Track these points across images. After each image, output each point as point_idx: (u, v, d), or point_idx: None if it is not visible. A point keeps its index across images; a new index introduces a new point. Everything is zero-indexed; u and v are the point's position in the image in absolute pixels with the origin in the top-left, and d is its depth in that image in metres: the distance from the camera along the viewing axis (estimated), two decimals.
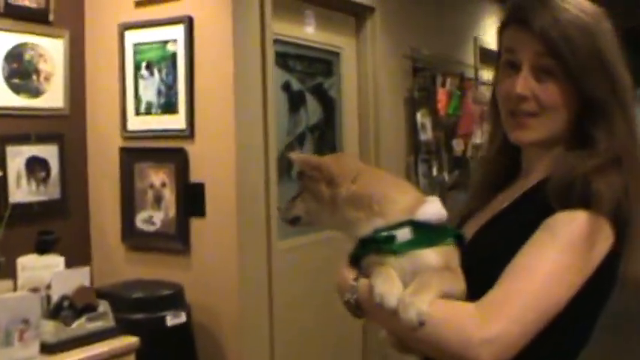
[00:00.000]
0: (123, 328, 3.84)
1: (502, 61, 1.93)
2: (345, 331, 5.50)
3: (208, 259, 4.45)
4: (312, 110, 5.48)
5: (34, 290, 3.73)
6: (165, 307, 4.06)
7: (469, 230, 2.00)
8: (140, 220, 4.63)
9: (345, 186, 1.90)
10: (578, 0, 1.86)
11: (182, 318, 4.08)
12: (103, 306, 3.80)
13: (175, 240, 4.51)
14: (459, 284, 1.79)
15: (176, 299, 4.16)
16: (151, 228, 4.59)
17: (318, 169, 1.93)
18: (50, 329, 3.54)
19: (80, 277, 3.83)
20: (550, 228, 1.72)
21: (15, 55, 4.38)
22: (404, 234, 1.81)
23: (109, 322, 3.79)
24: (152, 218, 4.58)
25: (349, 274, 1.88)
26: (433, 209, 1.86)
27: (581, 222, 1.70)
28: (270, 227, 4.59)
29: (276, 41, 4.81)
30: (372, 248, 1.84)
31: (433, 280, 1.75)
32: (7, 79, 4.34)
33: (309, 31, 5.36)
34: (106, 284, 4.39)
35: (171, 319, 4.03)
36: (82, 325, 3.65)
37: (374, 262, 1.82)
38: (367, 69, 5.83)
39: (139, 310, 4.00)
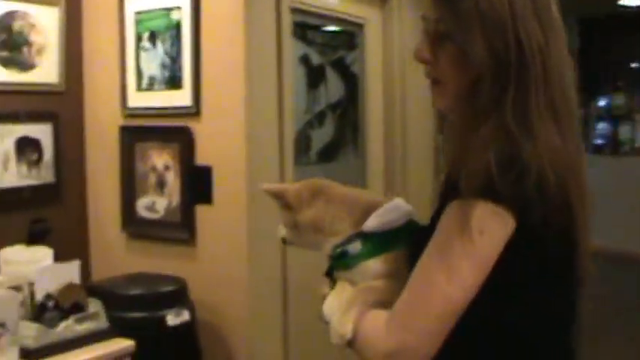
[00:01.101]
0: (117, 329, 3.44)
1: None
2: None
3: (216, 250, 4.05)
4: (333, 86, 5.05)
5: (16, 288, 3.28)
6: (165, 305, 3.69)
7: None
8: (141, 207, 4.24)
9: (302, 212, 1.99)
10: None
11: (184, 317, 3.69)
12: (94, 305, 3.40)
13: (180, 229, 4.12)
14: (397, 292, 1.74)
15: (178, 296, 3.77)
16: (153, 215, 4.20)
17: (279, 198, 2.02)
18: (31, 333, 3.13)
19: (68, 272, 3.41)
20: (437, 226, 1.68)
21: (2, 25, 3.98)
22: (354, 247, 1.89)
23: (100, 322, 3.39)
24: (154, 205, 4.18)
25: (324, 290, 1.94)
26: (381, 216, 1.90)
27: (454, 213, 1.63)
28: None
29: (293, 10, 4.40)
30: (335, 265, 1.94)
31: (360, 295, 1.82)
32: None
33: (330, 0, 4.88)
34: (100, 280, 4.04)
35: (173, 319, 3.63)
36: (69, 328, 3.25)
37: (337, 278, 1.94)
38: (394, 42, 5.32)
39: (136, 308, 3.64)
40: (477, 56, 1.66)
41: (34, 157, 4.11)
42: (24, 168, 4.06)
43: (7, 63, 4.00)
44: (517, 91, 1.65)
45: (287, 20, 4.22)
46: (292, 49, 4.38)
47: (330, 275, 1.96)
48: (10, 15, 4.00)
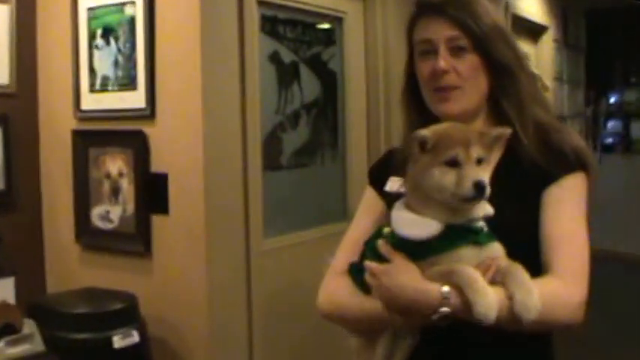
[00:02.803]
0: (56, 352, 3.17)
1: (417, 52, 2.15)
2: (340, 348, 4.75)
3: (172, 263, 3.78)
4: (308, 85, 4.73)
5: None
6: (112, 325, 3.40)
7: None
8: (96, 216, 3.97)
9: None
10: None
11: (133, 338, 3.40)
12: (29, 326, 3.12)
13: (135, 240, 3.86)
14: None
15: (127, 315, 3.49)
16: (107, 225, 3.93)
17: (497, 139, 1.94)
18: None
19: (1, 290, 3.14)
20: (568, 194, 2.03)
21: None
22: (484, 226, 1.90)
23: (35, 345, 3.12)
24: (109, 214, 3.91)
25: (432, 284, 1.82)
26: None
27: (578, 184, 2.05)
28: (249, 226, 3.88)
29: (261, 3, 4.13)
30: (457, 237, 1.86)
31: (522, 272, 1.84)
32: None
33: None
34: (43, 297, 3.84)
35: (119, 340, 3.34)
36: None
37: (455, 260, 1.84)
38: (377, 37, 5.00)
39: (79, 329, 3.35)
40: (498, 58, 2.07)
41: None
42: None
43: None
44: (528, 84, 2.13)
45: (251, 14, 3.94)
46: (258, 45, 4.09)
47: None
48: None
